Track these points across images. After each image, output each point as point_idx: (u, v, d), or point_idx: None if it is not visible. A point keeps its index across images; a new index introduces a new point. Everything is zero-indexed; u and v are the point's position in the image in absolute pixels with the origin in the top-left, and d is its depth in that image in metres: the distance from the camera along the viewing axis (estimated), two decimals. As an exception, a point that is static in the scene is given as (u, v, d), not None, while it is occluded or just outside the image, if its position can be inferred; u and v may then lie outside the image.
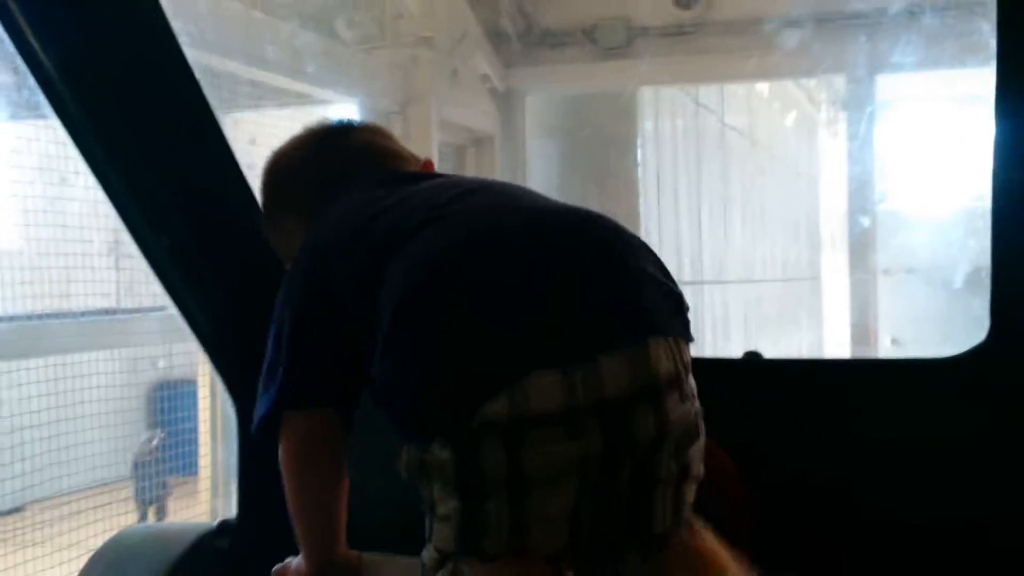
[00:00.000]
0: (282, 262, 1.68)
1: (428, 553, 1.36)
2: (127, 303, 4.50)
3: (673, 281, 1.38)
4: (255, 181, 1.91)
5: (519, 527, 1.26)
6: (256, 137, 4.54)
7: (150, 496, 4.82)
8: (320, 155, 1.67)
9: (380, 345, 1.31)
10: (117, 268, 4.42)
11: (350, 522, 1.55)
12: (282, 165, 1.70)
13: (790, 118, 11.21)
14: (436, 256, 1.32)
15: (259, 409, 1.47)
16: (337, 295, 1.41)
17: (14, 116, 4.04)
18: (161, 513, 4.87)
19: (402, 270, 1.32)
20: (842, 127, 9.10)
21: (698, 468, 1.35)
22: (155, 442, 4.83)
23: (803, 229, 11.40)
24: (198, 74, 1.87)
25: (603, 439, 1.24)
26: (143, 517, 4.76)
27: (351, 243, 1.41)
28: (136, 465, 4.82)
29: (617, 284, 1.31)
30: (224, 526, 1.90)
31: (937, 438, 1.71)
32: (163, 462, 4.72)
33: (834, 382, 1.80)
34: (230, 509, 2.00)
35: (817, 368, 1.90)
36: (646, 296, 1.31)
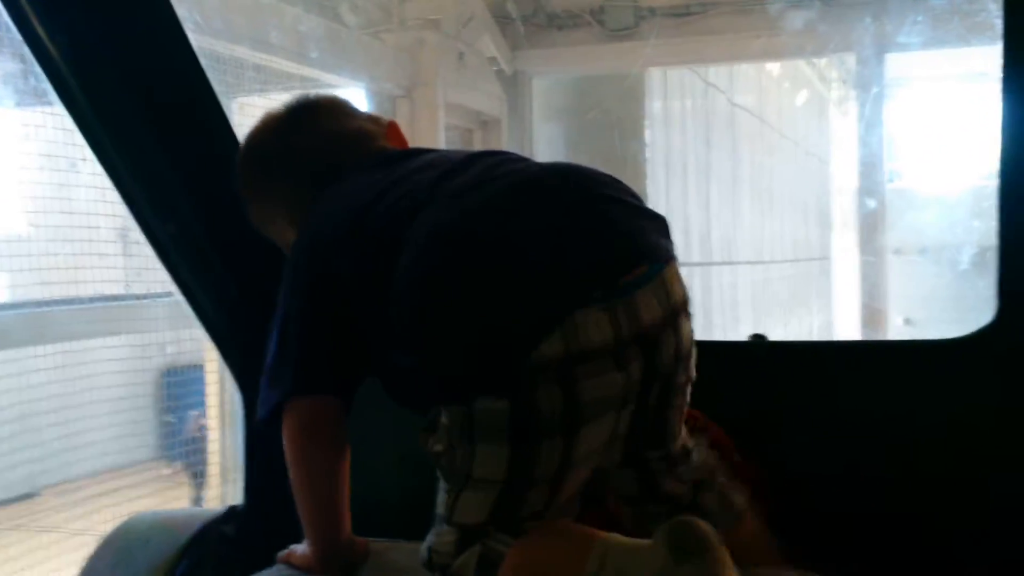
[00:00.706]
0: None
1: (442, 538, 1.35)
2: (136, 289, 4.51)
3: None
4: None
5: (563, 470, 1.32)
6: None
7: (197, 471, 4.84)
8: (301, 143, 1.66)
9: (405, 317, 1.33)
10: (125, 254, 4.42)
11: (353, 509, 1.56)
12: (264, 154, 1.69)
13: (800, 97, 11.17)
14: (456, 223, 1.35)
15: (269, 398, 1.49)
16: (345, 281, 1.43)
17: (20, 103, 4.05)
18: (200, 489, 4.90)
19: (421, 240, 1.34)
20: (853, 106, 9.06)
21: (693, 371, 1.45)
22: (203, 420, 4.85)
23: (813, 209, 11.37)
24: (203, 59, 1.87)
25: (641, 366, 1.32)
26: (198, 490, 4.80)
27: (356, 230, 1.43)
28: (187, 442, 4.87)
29: (625, 221, 1.38)
30: (231, 512, 1.91)
31: (944, 419, 1.70)
32: (171, 448, 4.74)
33: (840, 364, 1.80)
34: (239, 495, 2.00)
35: (823, 350, 1.89)
36: (647, 227, 1.39)
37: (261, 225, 1.72)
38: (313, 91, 1.77)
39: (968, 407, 1.69)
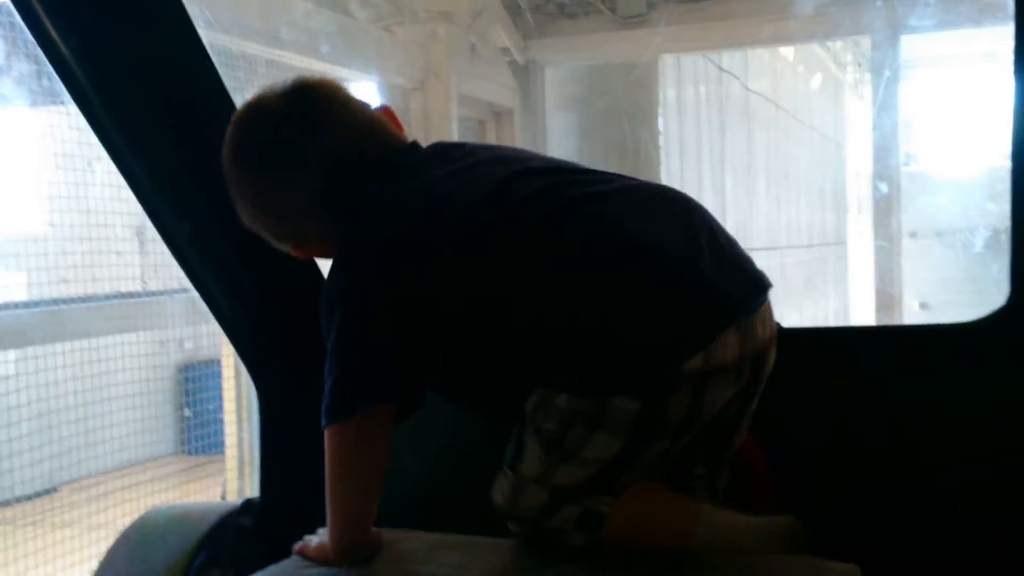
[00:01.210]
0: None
1: (531, 497, 1.44)
2: (153, 285, 4.53)
3: None
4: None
5: (657, 461, 1.44)
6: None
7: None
8: (324, 132, 1.60)
9: (539, 313, 1.38)
10: (142, 252, 4.45)
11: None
12: (277, 142, 1.61)
13: (815, 81, 11.11)
14: (623, 238, 1.41)
15: (343, 405, 1.47)
16: (434, 280, 1.44)
17: (35, 104, 4.07)
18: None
19: (599, 252, 1.39)
20: (868, 89, 9.01)
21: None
22: None
23: (829, 194, 11.32)
24: (214, 56, 1.87)
25: (748, 378, 1.45)
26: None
27: (461, 230, 1.44)
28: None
29: (736, 248, 1.49)
30: (248, 505, 1.92)
31: (959, 402, 1.70)
32: (190, 441, 4.77)
33: (853, 350, 1.80)
34: (256, 488, 2.01)
35: (835, 336, 1.89)
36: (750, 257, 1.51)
37: (263, 214, 1.65)
38: (307, 75, 1.70)
39: (983, 390, 1.69)
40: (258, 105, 1.64)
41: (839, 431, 1.74)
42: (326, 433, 1.49)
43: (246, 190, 1.64)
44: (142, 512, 1.99)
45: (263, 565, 1.61)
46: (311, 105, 1.63)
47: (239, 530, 1.87)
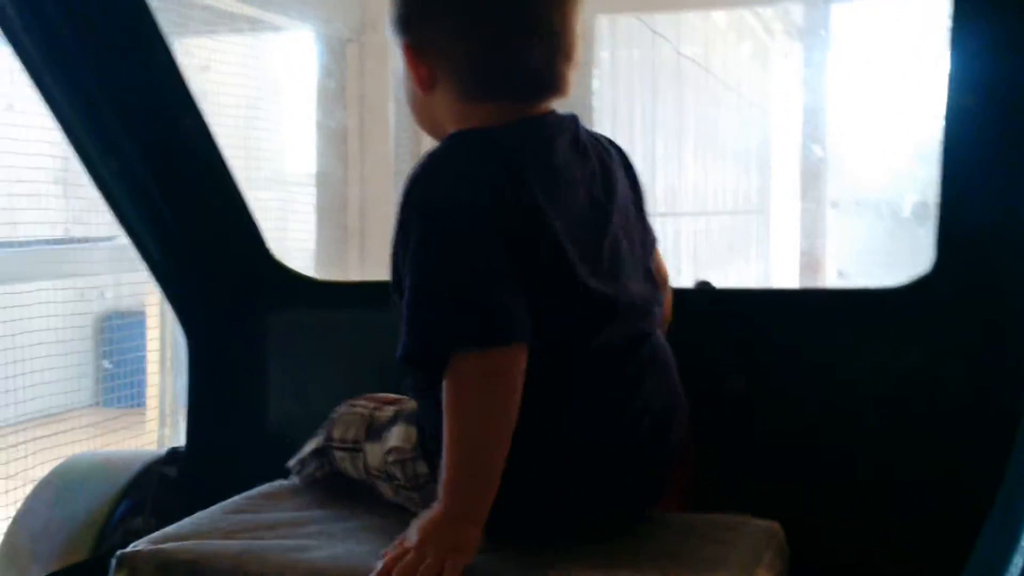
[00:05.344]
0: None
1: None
2: (76, 233, 4.42)
3: None
4: (207, 108, 1.90)
5: None
6: (209, 64, 4.44)
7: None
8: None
9: None
10: (66, 197, 4.34)
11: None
12: None
13: (745, 48, 11.18)
14: None
15: (445, 337, 1.27)
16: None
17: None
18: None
19: None
20: (797, 58, 9.10)
21: None
22: None
23: (754, 160, 11.43)
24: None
25: None
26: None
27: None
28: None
29: None
30: (173, 454, 1.90)
31: (882, 365, 1.73)
32: (108, 393, 4.66)
33: (783, 311, 1.82)
34: (177, 439, 2.00)
35: (766, 297, 1.91)
36: None
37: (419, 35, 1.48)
38: None
39: (904, 353, 1.72)
40: None
41: (762, 391, 1.76)
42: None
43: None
44: (57, 462, 1.96)
45: (187, 515, 1.59)
46: None
47: (163, 479, 1.85)
